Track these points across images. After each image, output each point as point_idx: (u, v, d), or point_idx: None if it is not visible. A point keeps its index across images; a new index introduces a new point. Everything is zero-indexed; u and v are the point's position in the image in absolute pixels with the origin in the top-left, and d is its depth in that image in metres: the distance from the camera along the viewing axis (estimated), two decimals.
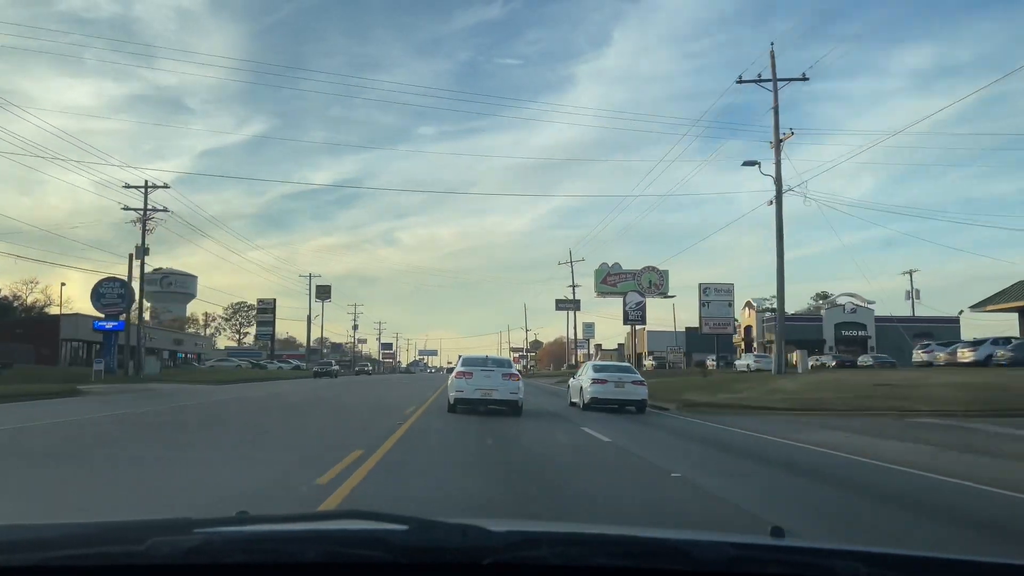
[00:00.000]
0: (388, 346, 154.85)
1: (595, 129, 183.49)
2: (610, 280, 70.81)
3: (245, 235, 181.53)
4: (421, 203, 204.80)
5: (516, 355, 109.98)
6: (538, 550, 1.46)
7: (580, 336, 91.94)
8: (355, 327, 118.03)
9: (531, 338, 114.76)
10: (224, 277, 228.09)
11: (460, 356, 20.74)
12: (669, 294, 70.73)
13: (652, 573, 1.48)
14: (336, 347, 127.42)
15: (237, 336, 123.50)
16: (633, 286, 68.37)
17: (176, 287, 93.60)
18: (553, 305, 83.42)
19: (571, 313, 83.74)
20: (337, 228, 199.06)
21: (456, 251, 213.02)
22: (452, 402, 18.10)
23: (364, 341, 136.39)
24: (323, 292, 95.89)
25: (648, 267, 70.82)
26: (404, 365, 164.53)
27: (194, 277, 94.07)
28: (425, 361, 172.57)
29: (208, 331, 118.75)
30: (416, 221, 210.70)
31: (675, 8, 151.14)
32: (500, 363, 19.51)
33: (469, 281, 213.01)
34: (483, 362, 19.04)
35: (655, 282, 68.23)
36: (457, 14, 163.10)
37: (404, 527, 1.45)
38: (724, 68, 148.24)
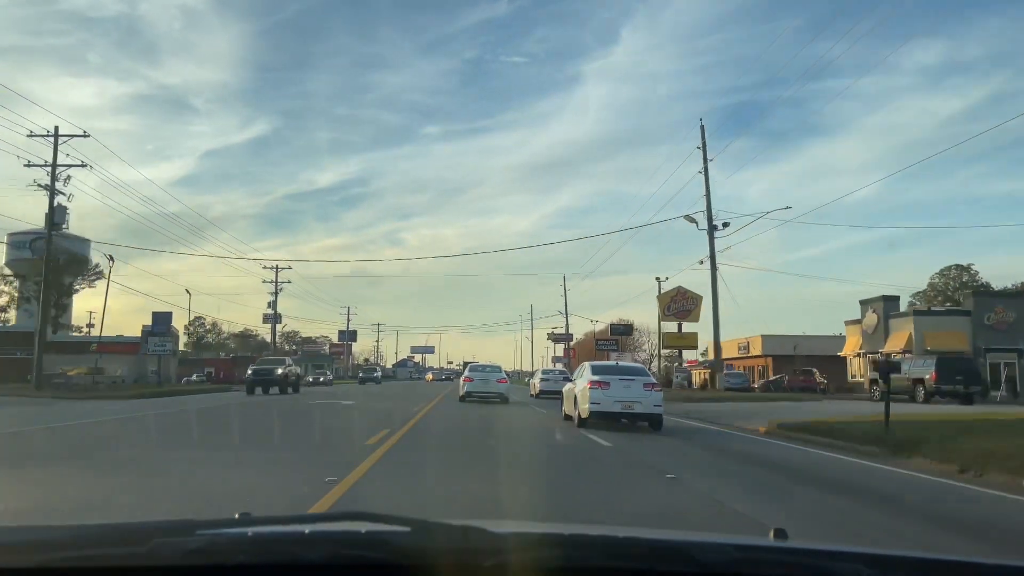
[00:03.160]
0: (350, 336, 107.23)
1: (602, 127, 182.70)
2: None
3: (248, 236, 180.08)
4: (426, 203, 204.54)
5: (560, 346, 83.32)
6: (540, 551, 1.46)
7: None
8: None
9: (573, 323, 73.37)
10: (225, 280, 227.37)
11: (589, 364, 18.88)
12: None
13: (654, 574, 1.48)
14: (307, 341, 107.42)
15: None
16: None
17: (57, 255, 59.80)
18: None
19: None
20: (342, 229, 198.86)
21: (461, 251, 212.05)
22: (585, 415, 16.73)
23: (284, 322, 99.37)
24: None
25: None
26: (388, 366, 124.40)
27: (85, 241, 61.28)
28: (417, 360, 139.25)
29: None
30: (421, 222, 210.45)
31: (684, 4, 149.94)
32: (637, 371, 18.40)
33: (475, 282, 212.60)
34: (617, 370, 17.99)
35: None
36: (464, 12, 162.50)
37: (406, 528, 1.46)
38: (732, 65, 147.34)
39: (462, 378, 30.88)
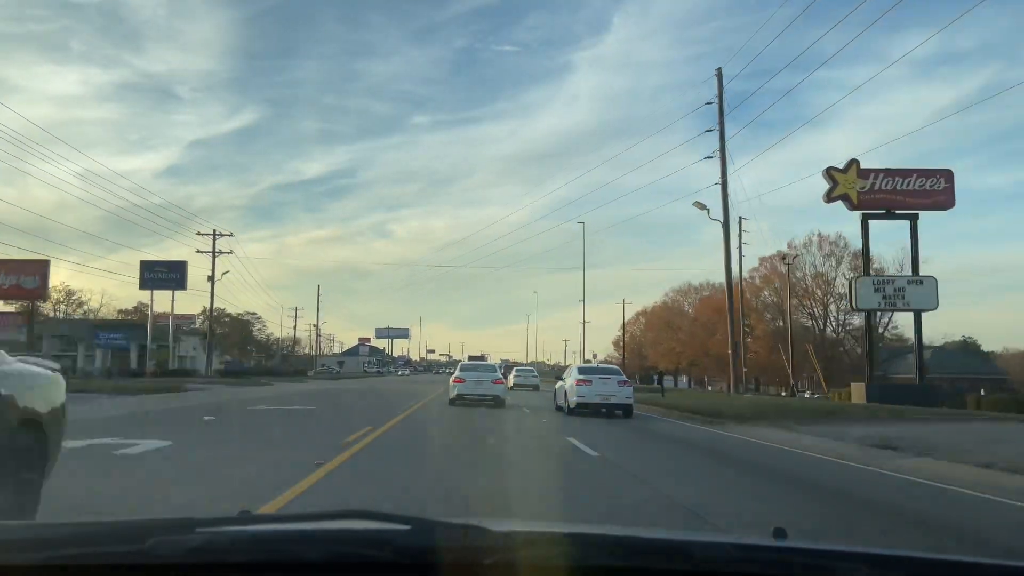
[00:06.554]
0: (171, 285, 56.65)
1: (593, 117, 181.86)
2: None
3: (235, 227, 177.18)
4: (415, 194, 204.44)
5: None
6: (539, 549, 1.46)
7: None
8: None
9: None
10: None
11: (575, 366, 24.55)
12: None
13: (653, 573, 1.48)
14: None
15: None
16: None
17: None
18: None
19: None
20: (329, 220, 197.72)
21: (450, 243, 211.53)
22: (574, 406, 21.07)
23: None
24: None
25: None
26: (325, 360, 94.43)
27: None
28: (380, 347, 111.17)
29: None
30: (409, 213, 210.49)
31: None
32: (613, 372, 23.58)
33: (463, 274, 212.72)
34: (597, 371, 23.25)
35: None
36: None
37: (406, 527, 1.45)
38: (723, 54, 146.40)
39: (452, 379, 27.27)
